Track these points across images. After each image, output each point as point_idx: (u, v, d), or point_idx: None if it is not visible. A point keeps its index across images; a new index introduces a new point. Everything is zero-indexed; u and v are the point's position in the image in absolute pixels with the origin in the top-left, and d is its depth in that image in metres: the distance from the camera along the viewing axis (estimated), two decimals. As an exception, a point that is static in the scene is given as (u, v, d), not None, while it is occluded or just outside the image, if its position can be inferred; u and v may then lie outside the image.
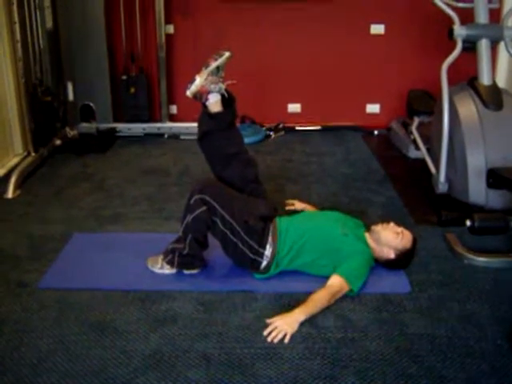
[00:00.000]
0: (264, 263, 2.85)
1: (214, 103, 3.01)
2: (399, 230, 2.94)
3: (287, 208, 3.38)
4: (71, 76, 5.05)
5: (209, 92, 2.97)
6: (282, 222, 2.95)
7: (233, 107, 3.07)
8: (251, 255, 2.83)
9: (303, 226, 2.94)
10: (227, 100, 3.03)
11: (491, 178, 3.44)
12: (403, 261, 2.95)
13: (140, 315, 2.60)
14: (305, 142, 5.17)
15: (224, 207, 2.77)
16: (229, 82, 3.00)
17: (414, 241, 2.96)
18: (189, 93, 2.98)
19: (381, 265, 2.96)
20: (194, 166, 4.52)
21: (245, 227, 2.81)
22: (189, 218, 2.77)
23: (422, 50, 5.20)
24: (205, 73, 2.95)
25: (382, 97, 5.49)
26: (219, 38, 5.22)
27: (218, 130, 3.03)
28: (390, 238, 2.91)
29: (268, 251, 2.84)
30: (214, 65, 2.96)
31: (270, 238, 2.86)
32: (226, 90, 3.01)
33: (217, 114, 3.02)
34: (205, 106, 3.04)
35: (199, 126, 3.11)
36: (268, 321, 2.53)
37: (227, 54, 2.99)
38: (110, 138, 5.13)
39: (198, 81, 2.94)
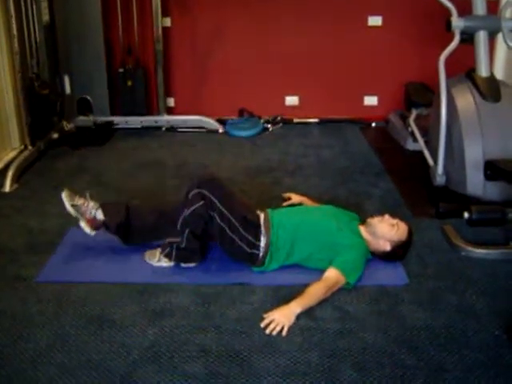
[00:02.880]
0: (260, 255, 2.85)
1: (103, 217, 3.02)
2: (394, 221, 2.94)
3: (285, 203, 3.38)
4: (68, 69, 5.03)
5: (94, 218, 3.01)
6: (274, 215, 2.96)
7: (115, 207, 3.10)
8: (248, 250, 2.83)
9: (297, 221, 2.94)
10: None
11: (489, 169, 3.44)
12: (400, 252, 2.96)
13: (138, 308, 2.60)
14: (302, 134, 5.16)
15: (223, 202, 2.78)
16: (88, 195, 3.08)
17: (410, 232, 2.96)
18: (91, 233, 3.03)
19: (377, 257, 2.96)
20: (191, 158, 4.52)
21: (243, 222, 2.82)
22: (186, 212, 2.78)
23: (420, 41, 5.19)
24: (78, 217, 3.03)
25: (379, 89, 5.48)
26: (216, 31, 5.22)
27: (123, 220, 3.04)
28: (386, 230, 2.91)
29: (263, 242, 2.85)
30: (68, 206, 3.01)
31: (263, 230, 2.86)
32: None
33: (114, 226, 3.03)
34: (105, 223, 3.05)
35: (117, 234, 3.07)
36: (265, 315, 2.54)
37: (63, 194, 3.03)
38: (108, 131, 5.11)
39: (82, 225, 3.02)
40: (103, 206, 3.04)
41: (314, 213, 3.08)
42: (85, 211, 3.01)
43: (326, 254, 2.82)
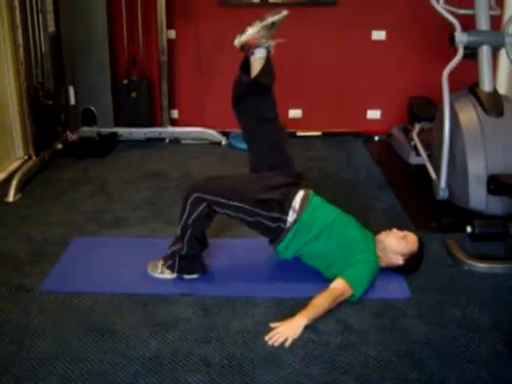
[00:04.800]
0: (286, 228, 2.82)
1: (259, 58, 2.95)
2: (402, 234, 2.93)
3: None
4: (73, 80, 5.05)
5: (257, 46, 2.92)
6: (315, 198, 2.93)
7: (272, 72, 3.01)
8: (273, 224, 2.81)
9: (336, 214, 2.93)
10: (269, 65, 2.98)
11: (492, 184, 3.44)
12: (413, 263, 2.95)
13: (140, 319, 2.60)
14: (305, 147, 5.17)
15: (228, 197, 2.76)
16: (278, 41, 2.94)
17: (420, 242, 2.96)
18: (237, 42, 2.91)
19: (391, 271, 2.96)
20: (194, 170, 4.53)
21: (260, 205, 2.78)
22: (189, 219, 2.77)
23: (424, 56, 5.20)
24: (259, 25, 2.89)
25: (382, 103, 5.49)
26: (220, 43, 5.23)
27: (254, 94, 2.98)
28: (395, 244, 2.91)
29: (291, 217, 2.82)
30: (270, 19, 2.90)
31: (296, 205, 2.84)
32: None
33: (256, 78, 2.96)
34: (247, 61, 2.97)
35: (236, 87, 3.04)
36: (272, 325, 2.54)
37: (285, 12, 2.92)
38: (111, 143, 5.13)
39: (250, 32, 2.88)
40: (269, 59, 2.95)
41: (349, 217, 3.02)
42: (264, 35, 2.89)
43: (339, 260, 2.80)
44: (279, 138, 3.09)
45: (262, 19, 2.91)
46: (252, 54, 2.94)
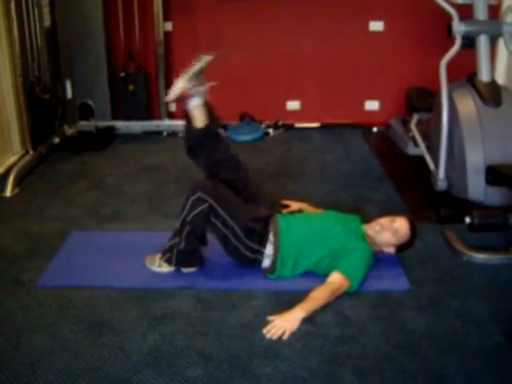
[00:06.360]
0: (267, 261, 2.85)
1: (195, 107, 3.01)
2: (395, 227, 2.93)
3: (283, 210, 3.37)
4: (69, 74, 5.03)
5: (190, 96, 2.99)
6: (282, 220, 2.94)
7: (214, 116, 3.09)
8: (252, 256, 2.84)
9: (304, 228, 2.93)
10: (209, 109, 3.06)
11: (490, 174, 3.44)
12: (405, 248, 3.00)
13: (138, 313, 2.60)
14: (304, 139, 5.16)
15: (227, 210, 2.77)
16: (212, 84, 3.00)
17: (413, 229, 2.97)
18: (171, 97, 2.98)
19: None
20: (192, 163, 4.50)
21: (247, 231, 2.81)
22: (188, 216, 2.75)
23: (421, 46, 5.18)
24: (184, 77, 2.94)
25: (381, 94, 5.47)
26: (217, 36, 5.22)
27: (205, 142, 3.07)
28: (387, 239, 2.94)
29: (269, 249, 2.84)
30: (197, 67, 2.96)
31: (270, 237, 2.85)
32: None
33: (206, 127, 3.05)
34: (187, 114, 3.05)
35: (187, 138, 3.14)
36: (269, 318, 2.53)
37: (208, 56, 2.99)
38: (109, 136, 5.11)
39: (180, 85, 2.94)
40: (208, 105, 3.02)
41: (320, 219, 3.05)
42: (194, 84, 2.93)
43: (334, 260, 2.80)
44: (240, 175, 3.13)
45: (185, 69, 2.97)
46: (187, 104, 3.01)
